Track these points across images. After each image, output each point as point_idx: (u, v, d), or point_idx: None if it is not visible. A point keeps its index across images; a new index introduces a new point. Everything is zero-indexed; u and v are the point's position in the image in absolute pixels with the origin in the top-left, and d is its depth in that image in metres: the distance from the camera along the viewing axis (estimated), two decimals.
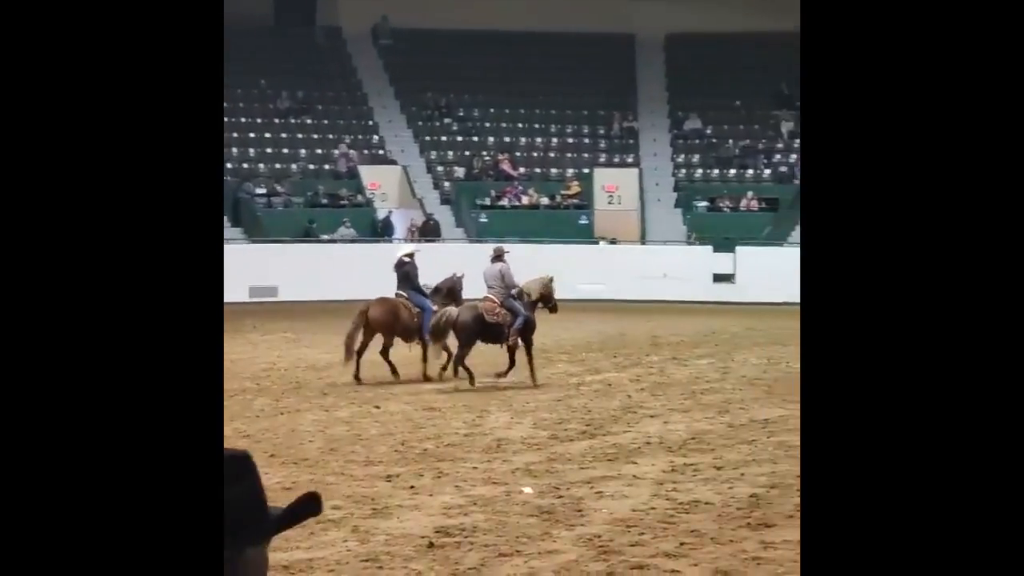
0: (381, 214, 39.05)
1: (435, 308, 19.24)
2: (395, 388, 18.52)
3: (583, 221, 39.51)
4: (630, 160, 42.15)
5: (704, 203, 39.38)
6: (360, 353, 19.05)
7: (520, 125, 44.22)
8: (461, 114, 44.19)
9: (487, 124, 44.12)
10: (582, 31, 43.53)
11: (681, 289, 34.11)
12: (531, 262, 35.95)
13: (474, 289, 19.88)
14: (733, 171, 40.89)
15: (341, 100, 44.28)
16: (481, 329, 18.51)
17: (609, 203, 39.78)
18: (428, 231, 38.40)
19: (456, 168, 42.13)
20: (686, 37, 43.93)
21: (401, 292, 19.90)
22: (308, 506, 3.08)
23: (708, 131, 42.56)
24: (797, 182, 39.16)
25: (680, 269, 34.89)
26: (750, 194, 38.78)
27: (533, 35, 43.81)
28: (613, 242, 37.60)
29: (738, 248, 35.02)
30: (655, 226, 39.28)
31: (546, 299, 19.34)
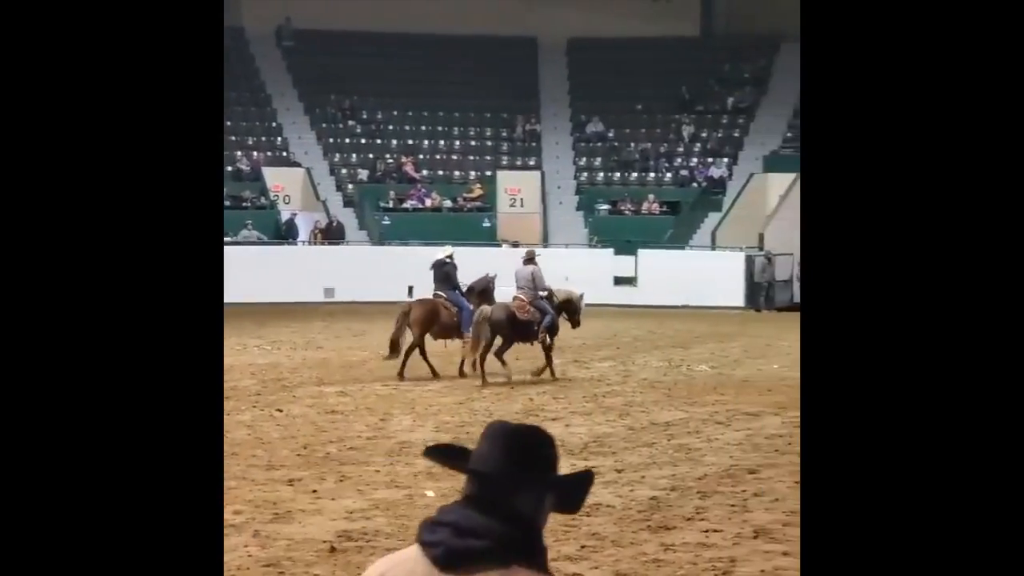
0: (284, 216, 38.83)
1: (471, 307, 20.16)
2: (298, 391, 18.47)
3: (486, 224, 39.58)
4: (532, 163, 42.30)
5: (606, 206, 39.63)
6: (408, 352, 19.94)
7: (423, 128, 44.21)
8: (365, 116, 44.07)
9: (391, 127, 44.05)
10: (485, 34, 43.63)
11: (583, 292, 34.23)
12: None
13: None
14: (635, 174, 41.20)
15: (244, 101, 43.95)
16: (512, 326, 19.37)
17: (512, 206, 39.89)
18: (332, 233, 38.27)
19: (360, 170, 42.01)
20: (588, 41, 44.18)
21: (440, 292, 20.76)
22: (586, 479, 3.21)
23: (610, 134, 42.83)
24: (697, 186, 39.56)
25: (582, 272, 34.92)
26: (651, 197, 39.07)
27: (437, 38, 43.80)
28: (516, 245, 37.66)
29: (639, 251, 35.23)
30: (557, 229, 39.45)
31: (571, 310, 20.30)
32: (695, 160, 41.03)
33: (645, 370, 21.27)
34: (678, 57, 43.56)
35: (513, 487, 3.03)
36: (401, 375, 19.69)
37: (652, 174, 41.02)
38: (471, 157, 43.08)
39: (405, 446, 14.01)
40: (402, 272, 35.78)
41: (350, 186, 41.29)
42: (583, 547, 9.93)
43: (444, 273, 20.97)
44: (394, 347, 19.91)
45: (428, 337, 20.38)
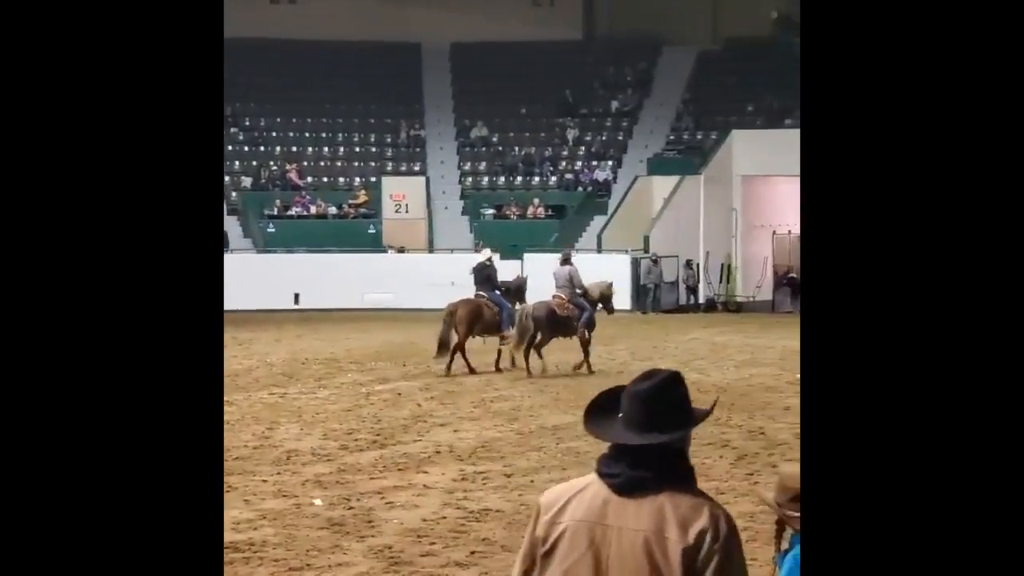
0: None
1: (510, 306, 21.89)
2: None
3: (371, 230, 39.41)
4: (417, 169, 42.21)
5: (491, 211, 39.65)
6: (455, 350, 21.24)
7: (307, 134, 43.91)
8: (247, 124, 43.66)
9: (274, 134, 43.69)
10: (368, 40, 43.45)
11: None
12: (320, 272, 35.86)
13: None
14: (519, 178, 41.26)
15: None
16: (552, 322, 20.89)
17: (397, 212, 39.77)
18: None
19: (243, 178, 41.60)
20: (471, 46, 44.21)
21: (481, 293, 22.23)
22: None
23: (494, 139, 42.88)
24: (582, 189, 39.74)
25: (468, 277, 35.02)
26: (536, 201, 39.16)
27: (320, 44, 43.54)
28: (401, 251, 37.60)
29: (525, 255, 35.28)
30: (442, 234, 39.41)
31: (605, 300, 21.95)
32: (579, 163, 41.21)
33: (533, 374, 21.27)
34: (561, 61, 43.72)
35: (665, 425, 3.80)
36: (448, 370, 21.03)
37: (537, 178, 41.11)
38: (356, 163, 42.87)
39: (292, 455, 13.86)
40: (288, 279, 35.55)
41: (234, 194, 40.85)
42: (473, 553, 9.88)
43: (485, 275, 22.46)
44: (443, 346, 21.18)
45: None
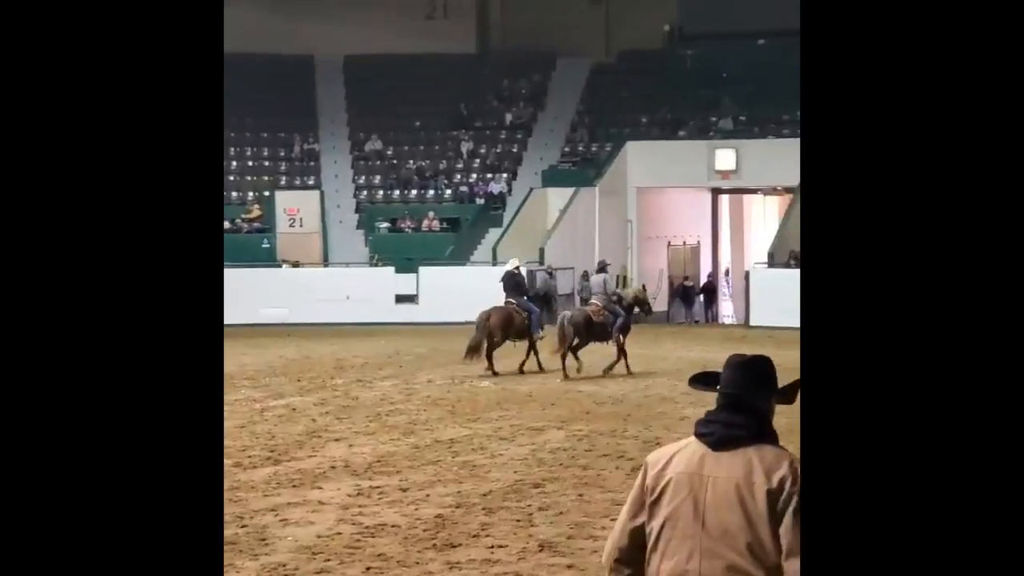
0: None
1: (538, 311, 23.75)
2: None
3: (265, 244, 39.06)
4: (311, 182, 41.92)
5: (386, 224, 39.48)
6: (490, 352, 22.90)
7: None
8: None
9: None
10: (259, 52, 43.07)
11: (364, 311, 34.06)
12: None
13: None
14: (414, 192, 41.12)
15: None
16: (589, 328, 22.36)
17: (291, 226, 39.47)
18: None
19: None
20: (365, 58, 44.04)
21: (511, 300, 23.81)
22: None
23: (389, 152, 42.71)
24: (479, 201, 39.73)
25: (363, 291, 34.85)
26: (431, 214, 39.06)
27: None
28: (296, 265, 37.31)
29: (421, 269, 35.18)
30: (337, 248, 39.18)
31: (640, 303, 23.58)
32: (474, 176, 41.19)
33: (429, 388, 21.20)
34: (455, 73, 43.71)
35: (752, 396, 4.56)
36: (494, 372, 22.65)
37: (432, 191, 41.01)
38: (248, 177, 42.46)
39: None
40: None
41: None
42: (368, 568, 9.80)
43: (515, 283, 24.20)
44: (473, 350, 22.77)
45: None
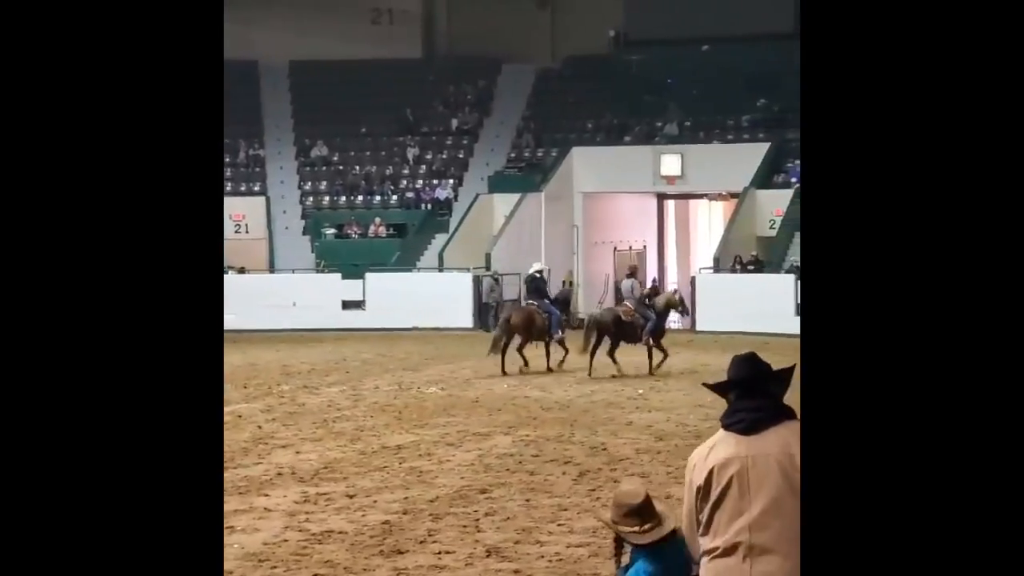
0: None
1: (559, 313, 24.86)
2: None
3: None
4: (257, 188, 41.75)
5: (332, 230, 39.39)
6: (504, 350, 23.80)
7: None
8: None
9: None
10: None
11: (311, 317, 33.97)
12: None
13: None
14: (360, 198, 41.03)
15: None
16: (619, 328, 23.14)
17: (237, 232, 39.26)
18: None
19: None
20: (310, 64, 43.88)
21: (531, 301, 24.95)
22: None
23: (335, 158, 42.60)
24: (425, 207, 39.70)
25: (309, 297, 34.75)
26: (378, 220, 39.00)
27: None
28: (242, 271, 37.14)
29: (367, 275, 35.12)
30: (283, 254, 39.04)
31: (673, 306, 24.17)
32: (420, 182, 41.14)
33: (375, 394, 21.16)
34: (401, 79, 43.64)
35: (763, 382, 5.04)
36: (526, 363, 23.82)
37: (378, 197, 40.93)
38: None
39: None
40: None
41: None
42: (315, 575, 9.78)
43: (535, 286, 25.28)
44: (496, 346, 23.87)
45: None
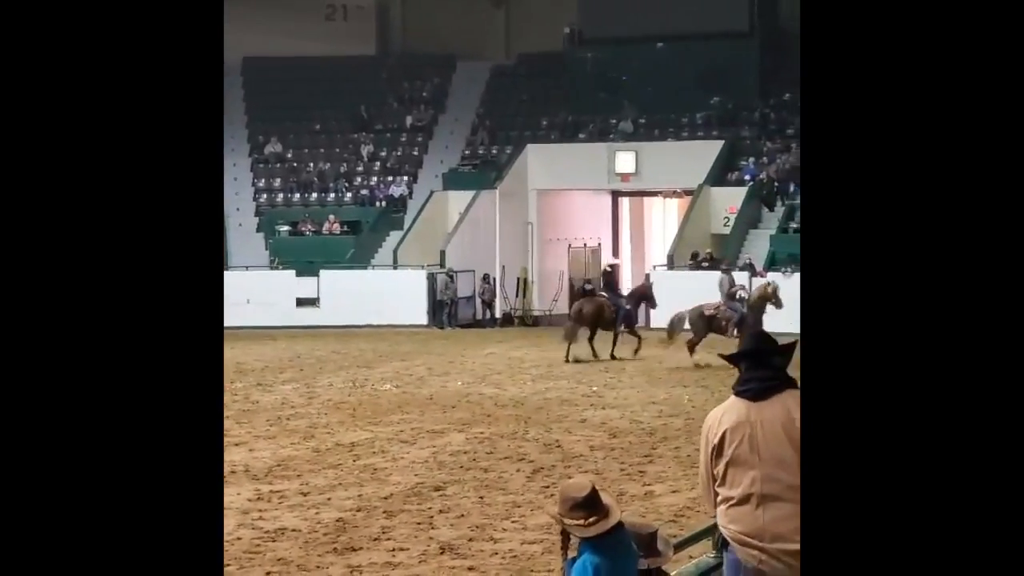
0: None
1: (627, 306, 26.34)
2: None
3: None
4: None
5: (286, 227, 39.21)
6: (590, 340, 25.33)
7: None
8: None
9: None
10: None
11: (265, 314, 33.78)
12: None
13: None
14: (315, 195, 40.87)
15: None
16: (706, 322, 24.30)
17: None
18: None
19: None
20: (263, 60, 43.67)
21: (603, 293, 27.26)
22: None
23: (288, 155, 42.42)
24: (379, 204, 39.60)
25: (263, 294, 34.60)
26: (332, 217, 38.84)
27: None
28: None
29: (322, 272, 34.98)
30: (237, 251, 38.83)
31: (768, 299, 24.34)
32: (375, 179, 41.03)
33: (330, 391, 21.10)
34: (355, 76, 43.52)
35: (770, 354, 5.83)
36: (567, 359, 24.77)
37: (332, 194, 40.78)
38: None
39: None
40: None
41: None
42: (268, 573, 9.75)
43: (606, 281, 27.63)
44: (570, 335, 25.32)
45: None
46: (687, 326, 24.69)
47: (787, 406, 5.62)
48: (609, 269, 28.22)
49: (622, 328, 25.89)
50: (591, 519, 5.25)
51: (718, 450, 5.75)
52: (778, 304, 24.48)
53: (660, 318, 31.49)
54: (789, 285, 25.85)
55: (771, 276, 27.96)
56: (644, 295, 26.93)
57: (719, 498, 5.79)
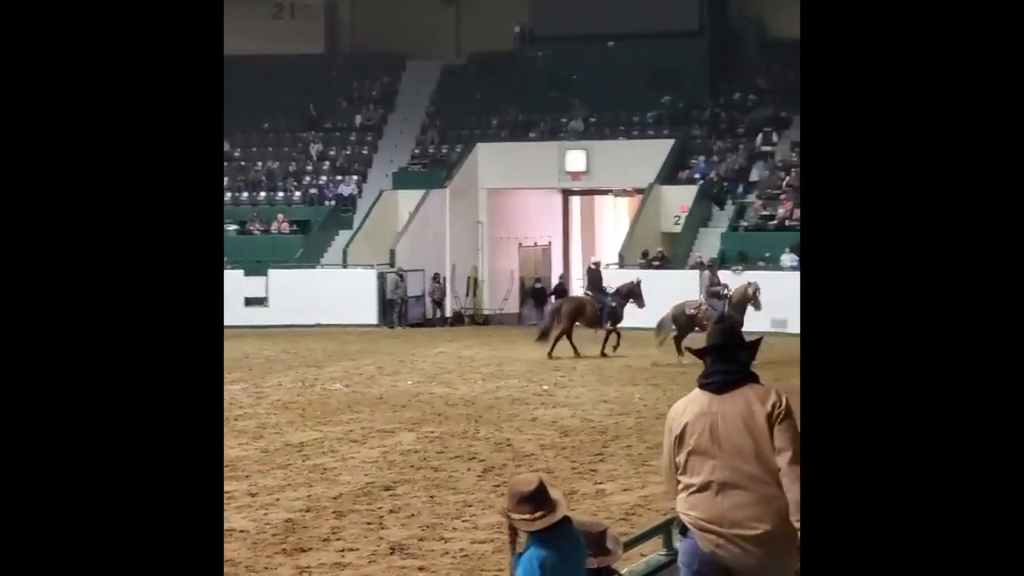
0: None
1: (613, 304, 26.27)
2: None
3: None
4: None
5: (234, 227, 38.93)
6: (558, 338, 25.59)
7: None
8: None
9: None
10: None
11: (752, 282, 33.23)
12: None
13: None
14: (263, 194, 40.64)
15: None
16: (688, 320, 24.54)
17: None
18: None
19: None
20: None
21: (588, 292, 27.19)
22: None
23: (236, 154, 42.16)
24: (329, 203, 39.42)
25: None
26: (281, 216, 38.61)
27: None
28: None
29: (270, 271, 34.77)
30: None
31: (747, 300, 24.89)
32: (324, 178, 40.85)
33: (278, 391, 20.94)
34: (304, 74, 43.33)
35: (735, 350, 6.06)
36: (576, 352, 25.22)
37: (281, 193, 40.57)
38: None
39: None
40: None
41: None
42: None
43: (591, 279, 27.33)
44: (543, 335, 26.24)
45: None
46: (673, 325, 24.85)
47: (748, 399, 5.87)
48: (593, 267, 28.02)
49: (607, 325, 26.02)
50: (537, 513, 5.22)
51: (681, 439, 5.97)
52: (757, 306, 24.86)
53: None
54: (740, 283, 25.99)
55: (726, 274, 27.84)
56: (631, 293, 26.99)
57: (680, 486, 6.01)
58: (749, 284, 25.36)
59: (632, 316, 26.53)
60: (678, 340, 24.16)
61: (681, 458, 5.96)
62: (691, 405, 6.01)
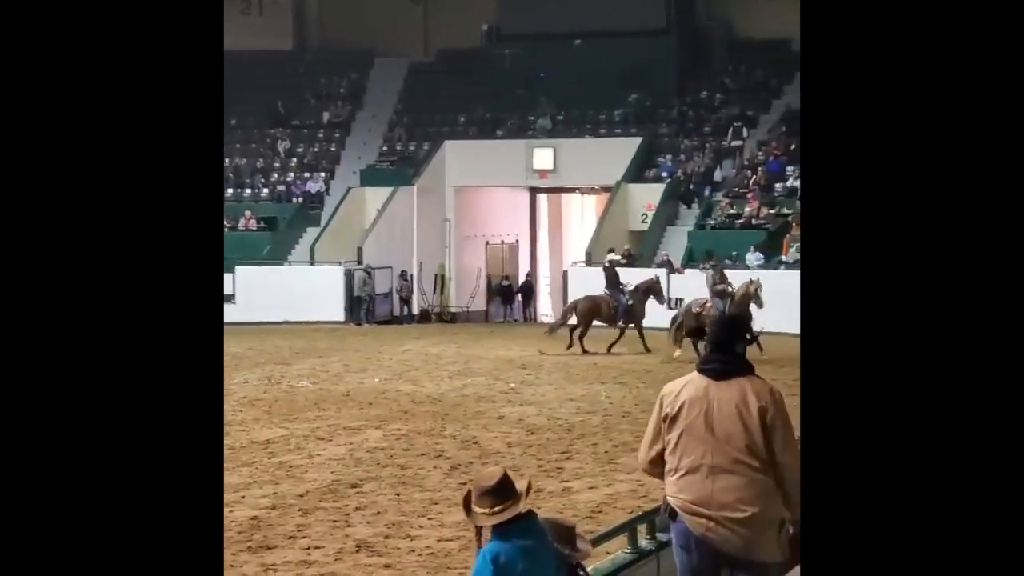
0: None
1: (630, 302, 26.57)
2: None
3: None
4: None
5: None
6: (574, 335, 25.97)
7: None
8: None
9: None
10: None
11: (755, 279, 33.09)
12: None
13: None
14: (230, 191, 40.49)
15: None
16: (694, 318, 24.47)
17: None
18: None
19: None
20: None
21: (606, 289, 27.15)
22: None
23: None
24: (296, 200, 39.34)
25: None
26: (248, 213, 38.48)
27: None
28: None
29: (237, 268, 34.64)
30: None
31: (750, 297, 24.82)
32: (291, 175, 40.75)
33: (245, 388, 20.92)
34: (272, 71, 43.17)
35: (734, 341, 6.30)
36: (584, 351, 25.46)
37: (248, 190, 40.46)
38: None
39: None
40: None
41: None
42: None
43: (607, 276, 27.52)
44: (553, 329, 26.87)
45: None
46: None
47: (744, 389, 6.07)
48: (608, 264, 28.17)
49: (621, 323, 26.41)
50: (496, 507, 5.21)
51: (674, 418, 6.12)
52: (759, 303, 24.75)
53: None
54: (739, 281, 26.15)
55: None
56: (650, 289, 27.02)
57: (668, 467, 6.16)
58: (751, 282, 25.33)
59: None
60: (677, 335, 24.60)
61: (672, 436, 6.11)
62: (688, 387, 6.17)
